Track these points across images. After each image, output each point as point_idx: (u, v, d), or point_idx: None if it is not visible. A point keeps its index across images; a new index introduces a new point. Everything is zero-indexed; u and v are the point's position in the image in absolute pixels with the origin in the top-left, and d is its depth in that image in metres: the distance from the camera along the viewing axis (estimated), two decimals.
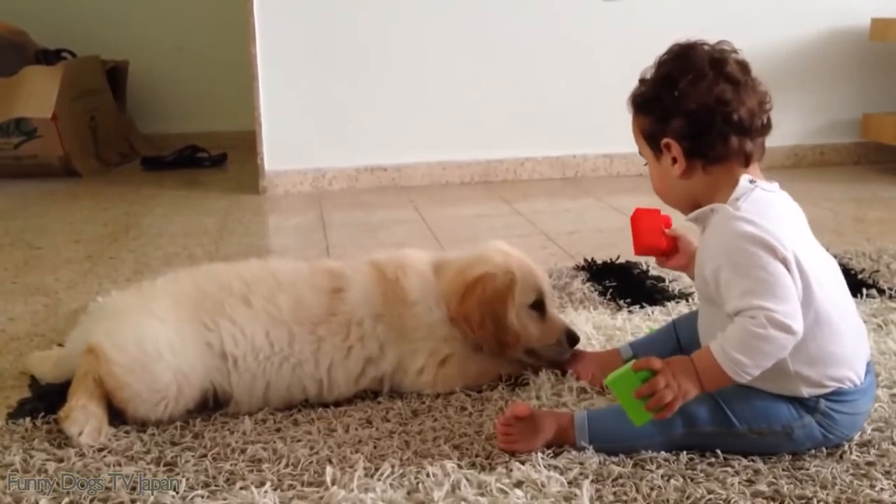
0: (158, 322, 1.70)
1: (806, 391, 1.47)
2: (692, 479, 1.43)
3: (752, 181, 1.50)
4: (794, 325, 1.38)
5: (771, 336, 1.37)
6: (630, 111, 1.61)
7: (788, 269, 1.40)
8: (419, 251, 1.96)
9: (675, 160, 1.53)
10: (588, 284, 2.48)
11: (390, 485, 1.43)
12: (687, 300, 2.32)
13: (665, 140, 1.53)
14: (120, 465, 1.52)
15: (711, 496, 1.38)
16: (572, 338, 1.88)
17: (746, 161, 1.51)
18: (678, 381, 1.41)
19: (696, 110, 1.49)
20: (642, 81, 1.58)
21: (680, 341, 1.78)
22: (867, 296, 2.30)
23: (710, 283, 1.47)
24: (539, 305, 1.86)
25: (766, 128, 1.52)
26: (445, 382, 1.80)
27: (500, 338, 1.81)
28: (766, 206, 1.47)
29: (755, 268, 1.40)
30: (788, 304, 1.38)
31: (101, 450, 1.57)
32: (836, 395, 1.48)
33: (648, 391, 1.41)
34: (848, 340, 1.49)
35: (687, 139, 1.51)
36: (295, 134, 4.07)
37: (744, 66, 1.53)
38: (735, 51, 1.54)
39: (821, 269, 1.48)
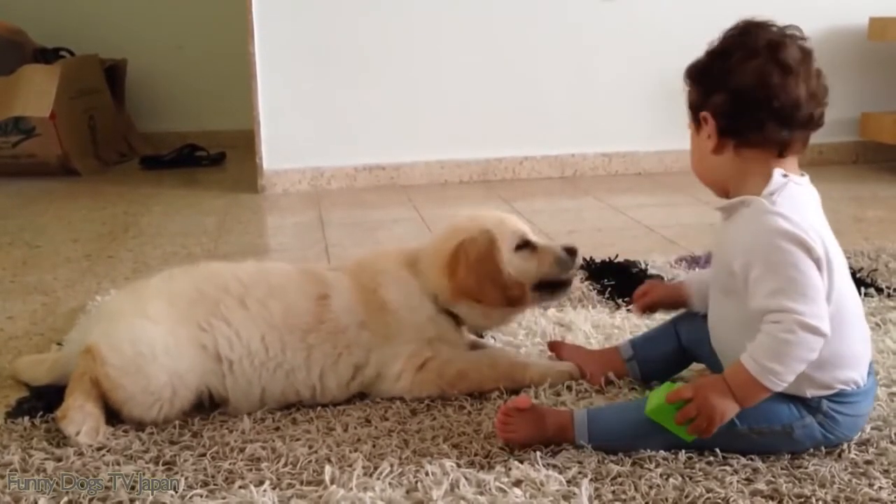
0: (153, 324, 1.69)
1: (810, 392, 1.47)
2: (691, 478, 1.43)
3: (784, 175, 1.46)
4: (822, 327, 1.37)
5: (801, 340, 1.36)
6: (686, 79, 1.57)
7: (820, 270, 1.39)
8: (390, 251, 1.94)
9: (710, 135, 1.51)
10: (587, 283, 2.48)
11: (389, 483, 1.43)
12: None
13: (703, 113, 1.51)
14: (119, 464, 1.52)
15: (710, 495, 1.38)
16: (570, 250, 1.86)
17: (781, 152, 1.48)
18: (712, 404, 1.41)
19: (737, 89, 1.46)
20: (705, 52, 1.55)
21: (681, 340, 1.78)
22: (866, 295, 2.30)
23: (737, 276, 1.45)
24: (525, 244, 1.85)
25: (812, 121, 1.49)
26: (422, 387, 1.78)
27: (506, 294, 1.80)
28: (800, 203, 1.45)
29: (788, 266, 1.38)
30: (817, 306, 1.37)
31: (99, 449, 1.57)
32: (839, 397, 1.48)
33: (683, 420, 1.43)
34: (858, 342, 1.49)
35: (724, 117, 1.48)
36: (293, 133, 4.07)
37: (805, 55, 1.49)
38: (803, 38, 1.51)
39: (842, 270, 1.47)
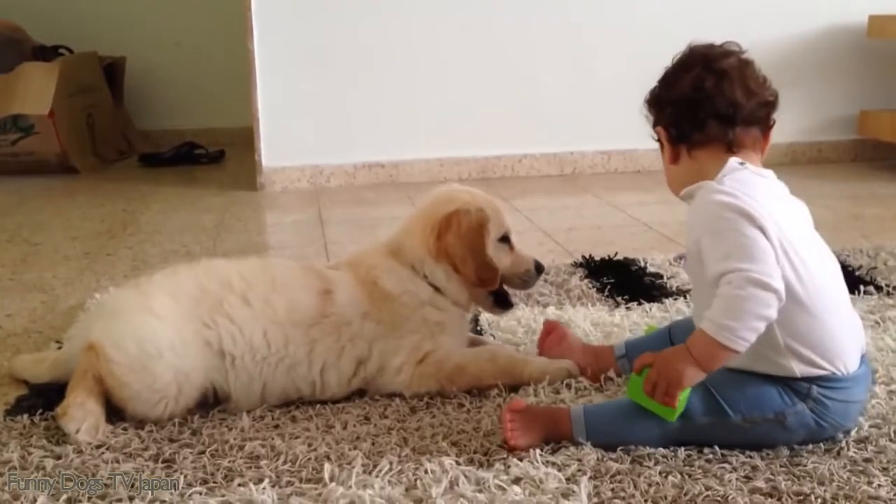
0: (158, 321, 1.69)
1: (798, 368, 1.47)
2: (690, 476, 1.43)
3: (741, 163, 1.55)
4: (772, 283, 1.39)
5: (751, 294, 1.39)
6: None
7: (767, 237, 1.43)
8: (374, 246, 1.96)
9: (665, 146, 1.64)
10: (586, 281, 2.48)
11: (388, 481, 1.43)
12: (685, 297, 2.32)
13: (656, 128, 1.66)
14: (118, 461, 1.52)
15: (709, 492, 1.38)
16: (539, 266, 1.94)
17: (729, 147, 1.57)
18: (670, 366, 1.44)
19: (676, 99, 1.60)
20: None
21: (673, 344, 1.78)
22: (864, 293, 2.30)
23: (694, 254, 1.52)
24: (506, 239, 1.91)
25: (755, 119, 1.58)
26: (421, 381, 1.79)
27: (481, 273, 1.84)
28: (750, 185, 1.51)
29: (731, 231, 1.44)
30: (765, 265, 1.41)
31: (99, 447, 1.57)
32: (828, 382, 1.49)
33: (649, 387, 1.45)
34: (841, 326, 1.50)
35: (672, 126, 1.62)
36: (293, 130, 4.07)
37: (742, 64, 1.59)
38: (741, 51, 1.61)
39: (811, 255, 1.50)
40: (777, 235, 1.44)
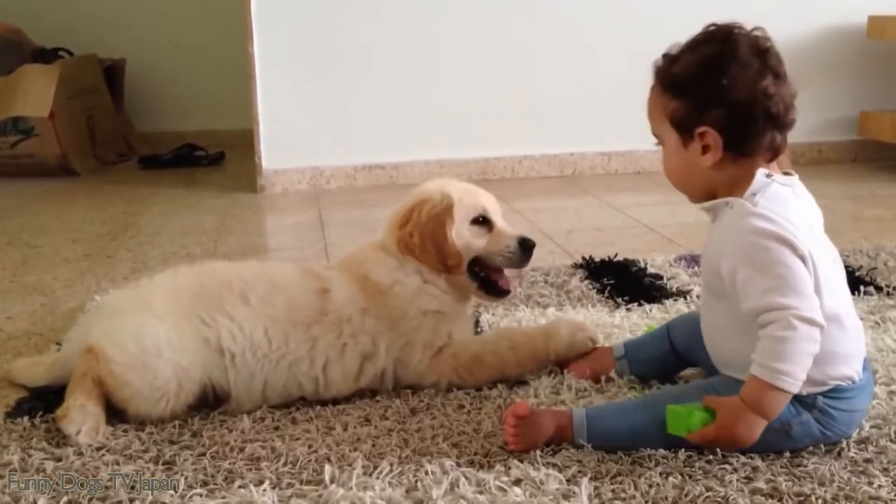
0: (156, 319, 1.70)
1: (805, 389, 1.46)
2: (690, 477, 1.43)
3: (768, 175, 1.47)
4: (817, 318, 1.37)
5: (802, 334, 1.37)
6: (656, 87, 1.55)
7: (806, 266, 1.40)
8: (365, 243, 1.98)
9: (705, 149, 1.48)
10: (586, 282, 2.48)
11: (389, 483, 1.43)
12: (685, 298, 2.32)
13: (702, 129, 1.47)
14: (118, 463, 1.52)
15: (710, 493, 1.38)
16: (525, 243, 1.87)
17: (774, 155, 1.49)
18: (736, 440, 1.42)
19: (741, 102, 1.44)
20: (671, 58, 1.53)
21: (673, 344, 1.78)
22: (865, 293, 2.30)
23: (724, 279, 1.46)
24: (483, 220, 1.88)
25: (794, 121, 1.50)
26: (440, 373, 1.80)
27: (443, 260, 1.83)
28: (782, 202, 1.45)
29: (775, 264, 1.39)
30: (809, 299, 1.38)
31: (99, 449, 1.57)
32: (835, 393, 1.48)
33: (705, 443, 1.45)
34: (851, 339, 1.49)
35: (727, 130, 1.46)
36: (293, 132, 4.07)
37: (779, 56, 1.49)
38: (769, 39, 1.50)
39: (830, 268, 1.48)
40: (811, 258, 1.41)
